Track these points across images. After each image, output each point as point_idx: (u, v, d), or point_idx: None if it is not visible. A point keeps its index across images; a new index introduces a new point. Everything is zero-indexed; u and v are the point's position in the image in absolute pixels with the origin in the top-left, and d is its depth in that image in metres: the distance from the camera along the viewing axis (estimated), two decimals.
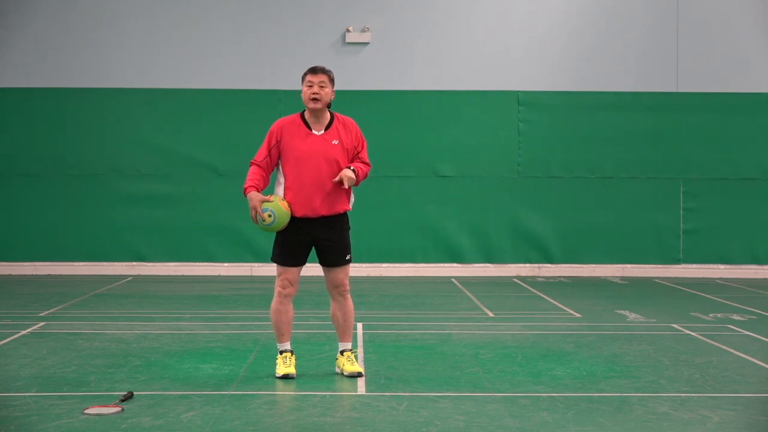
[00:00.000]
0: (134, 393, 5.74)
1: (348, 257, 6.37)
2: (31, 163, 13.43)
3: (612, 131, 13.68)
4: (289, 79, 13.50)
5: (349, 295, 6.44)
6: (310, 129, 6.28)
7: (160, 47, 13.60)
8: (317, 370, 6.58)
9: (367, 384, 6.15)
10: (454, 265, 13.60)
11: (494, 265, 13.62)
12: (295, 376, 6.29)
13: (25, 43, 13.47)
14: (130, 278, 12.87)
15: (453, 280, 12.91)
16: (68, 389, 5.92)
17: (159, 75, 13.57)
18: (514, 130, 13.68)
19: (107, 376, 6.33)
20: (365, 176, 6.37)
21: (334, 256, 6.32)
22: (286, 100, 13.43)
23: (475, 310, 9.92)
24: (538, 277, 13.45)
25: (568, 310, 9.90)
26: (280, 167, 6.31)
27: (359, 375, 6.37)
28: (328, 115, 6.33)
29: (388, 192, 13.37)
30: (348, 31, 13.60)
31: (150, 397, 5.72)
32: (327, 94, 6.24)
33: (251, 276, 13.25)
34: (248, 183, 6.22)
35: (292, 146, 6.23)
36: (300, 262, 6.31)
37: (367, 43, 13.63)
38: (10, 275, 13.09)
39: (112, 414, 5.29)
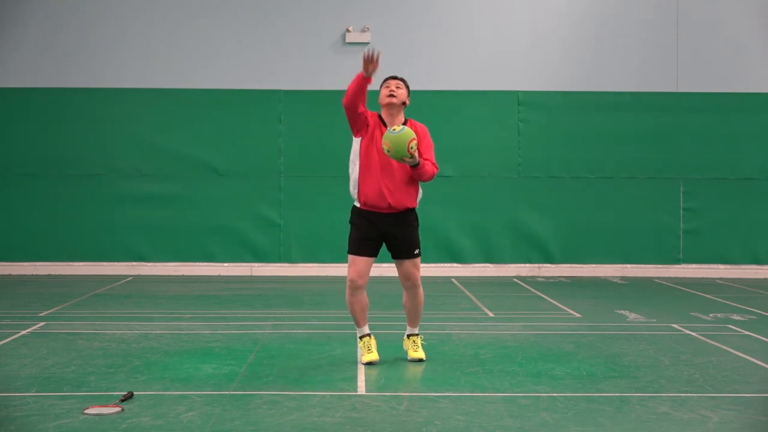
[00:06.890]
0: (134, 393, 5.74)
1: (417, 251, 6.72)
2: (31, 163, 13.44)
3: (612, 131, 13.68)
4: (289, 79, 13.52)
5: (420, 287, 6.81)
6: (386, 126, 6.62)
7: (160, 47, 13.60)
8: (318, 371, 6.58)
9: (367, 384, 6.16)
10: (454, 265, 13.60)
11: (494, 265, 13.62)
12: (378, 360, 6.70)
13: (25, 43, 13.47)
14: (130, 278, 12.87)
15: (453, 280, 12.91)
16: (68, 389, 5.91)
17: (159, 75, 13.57)
18: (514, 130, 13.68)
19: (107, 376, 6.32)
20: (431, 175, 6.55)
21: (403, 250, 6.68)
22: (286, 100, 13.44)
23: (475, 310, 9.92)
24: (538, 277, 13.44)
25: (568, 310, 9.90)
26: (358, 147, 6.57)
27: (420, 360, 6.84)
28: (402, 118, 6.68)
29: None
30: (348, 31, 13.60)
31: (150, 397, 5.72)
32: (402, 94, 6.65)
33: (251, 276, 13.24)
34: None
35: (371, 134, 6.56)
36: (370, 254, 6.63)
37: (367, 43, 13.62)
38: (10, 275, 13.09)
39: (112, 414, 5.29)
